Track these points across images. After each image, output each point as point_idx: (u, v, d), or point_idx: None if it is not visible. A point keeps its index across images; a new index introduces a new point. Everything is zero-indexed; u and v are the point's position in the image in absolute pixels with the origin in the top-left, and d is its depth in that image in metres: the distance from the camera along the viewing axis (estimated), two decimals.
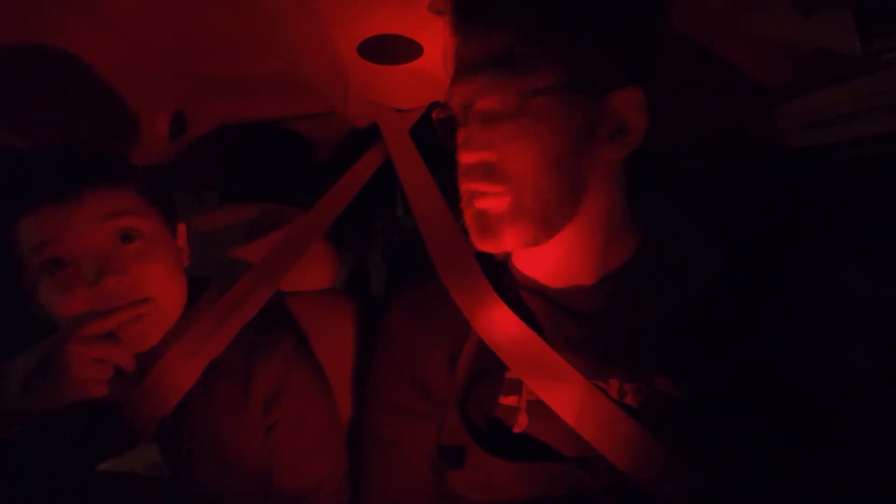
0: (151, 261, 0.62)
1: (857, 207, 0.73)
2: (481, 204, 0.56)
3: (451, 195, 0.72)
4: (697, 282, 0.57)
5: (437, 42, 0.67)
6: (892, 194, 0.68)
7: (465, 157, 0.56)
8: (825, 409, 0.54)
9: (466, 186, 0.58)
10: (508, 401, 0.59)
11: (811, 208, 0.78)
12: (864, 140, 0.66)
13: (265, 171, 1.04)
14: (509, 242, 0.57)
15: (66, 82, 0.69)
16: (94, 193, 0.59)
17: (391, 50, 0.69)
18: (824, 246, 0.74)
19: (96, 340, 0.58)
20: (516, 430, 0.58)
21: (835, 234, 0.74)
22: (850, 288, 0.64)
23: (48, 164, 0.61)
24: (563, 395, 0.55)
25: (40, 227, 0.57)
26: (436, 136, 0.62)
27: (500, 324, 0.60)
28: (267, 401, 0.67)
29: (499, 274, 0.64)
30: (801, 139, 0.72)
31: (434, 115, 0.61)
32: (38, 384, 0.57)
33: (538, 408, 0.57)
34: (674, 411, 0.54)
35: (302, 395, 0.69)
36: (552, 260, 0.61)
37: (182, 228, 0.73)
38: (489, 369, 0.61)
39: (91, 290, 0.58)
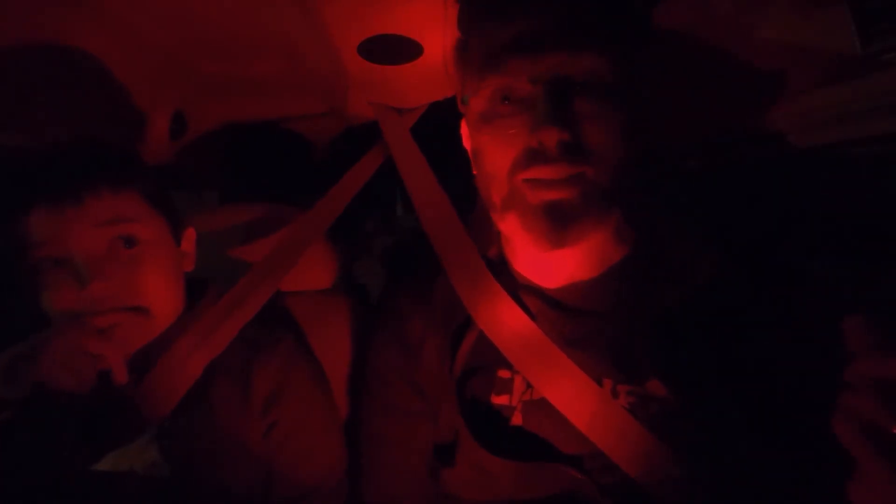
0: (145, 269, 0.62)
1: (857, 207, 0.73)
2: (555, 194, 0.52)
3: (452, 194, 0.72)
4: (693, 281, 0.57)
5: (437, 42, 0.67)
6: (892, 194, 0.68)
7: (547, 135, 0.50)
8: (824, 410, 0.54)
9: (540, 172, 0.52)
10: (500, 400, 0.59)
11: (811, 208, 0.78)
12: (864, 140, 0.66)
13: (265, 171, 1.04)
14: (585, 233, 0.54)
15: (66, 82, 0.69)
16: (95, 198, 0.59)
17: (391, 50, 0.69)
18: (824, 246, 0.74)
19: (93, 334, 0.58)
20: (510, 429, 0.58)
21: (835, 235, 0.74)
22: (849, 288, 0.64)
23: (54, 163, 0.61)
24: (568, 395, 0.55)
25: (40, 227, 0.58)
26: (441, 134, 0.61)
27: (504, 318, 0.60)
28: (266, 400, 0.67)
29: (495, 274, 0.64)
30: (801, 139, 0.72)
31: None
32: (24, 368, 0.57)
33: (534, 408, 0.58)
34: (666, 415, 0.54)
35: (301, 395, 0.69)
36: (554, 258, 0.61)
37: (190, 233, 0.72)
38: (481, 367, 0.61)
39: (79, 292, 0.58)
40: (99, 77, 0.70)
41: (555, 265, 0.61)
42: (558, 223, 0.52)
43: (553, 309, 0.61)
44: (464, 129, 0.65)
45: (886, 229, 0.69)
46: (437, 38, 0.66)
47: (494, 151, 0.55)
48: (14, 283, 0.63)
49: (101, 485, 0.59)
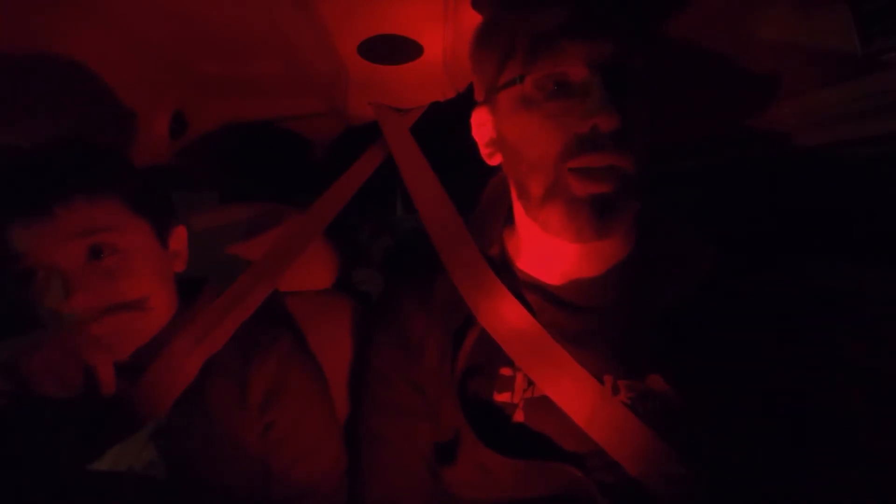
0: (125, 276, 0.61)
1: (857, 207, 0.73)
2: (599, 187, 0.51)
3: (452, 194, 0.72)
4: (693, 279, 0.57)
5: (437, 42, 0.67)
6: (892, 194, 0.68)
7: (604, 122, 0.49)
8: (823, 409, 0.54)
9: (589, 160, 0.51)
10: (502, 397, 0.59)
11: (811, 208, 0.78)
12: (864, 140, 0.66)
13: (265, 171, 1.04)
14: (624, 226, 0.54)
15: (66, 82, 0.69)
16: (67, 210, 0.57)
17: (391, 50, 0.69)
18: (824, 246, 0.74)
19: (88, 343, 0.58)
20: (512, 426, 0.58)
21: (834, 234, 0.74)
22: (848, 288, 0.64)
23: (27, 173, 0.59)
24: (569, 391, 0.55)
25: (14, 240, 0.57)
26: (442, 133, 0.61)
27: (506, 315, 0.60)
28: (263, 399, 0.67)
29: (497, 272, 0.64)
30: (801, 139, 0.72)
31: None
32: (16, 368, 0.58)
33: (536, 405, 0.58)
34: (666, 410, 0.54)
35: (299, 395, 0.69)
36: (559, 255, 0.61)
37: (180, 232, 0.71)
38: (482, 365, 0.61)
39: (63, 303, 0.57)
40: (98, 78, 0.70)
41: (562, 261, 0.61)
42: (601, 215, 0.52)
43: (554, 306, 0.61)
44: (477, 119, 0.63)
45: (886, 229, 0.69)
46: (437, 38, 0.66)
47: (541, 137, 0.53)
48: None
49: (99, 484, 0.59)
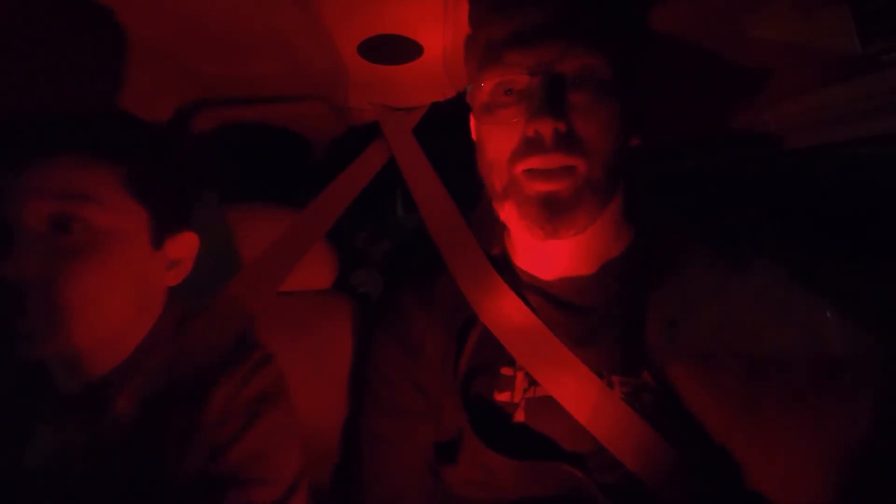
0: (87, 261, 0.50)
1: (857, 207, 0.73)
2: (549, 186, 0.53)
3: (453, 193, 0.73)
4: (690, 277, 0.57)
5: (436, 42, 0.67)
6: (892, 194, 0.68)
7: (542, 125, 0.52)
8: (820, 407, 0.54)
9: (536, 161, 0.53)
10: (503, 397, 0.59)
11: (811, 208, 0.78)
12: (864, 140, 0.67)
13: (264, 170, 1.04)
14: (578, 225, 0.55)
15: (66, 82, 0.69)
16: (49, 164, 0.49)
17: (391, 50, 0.69)
18: (823, 246, 0.74)
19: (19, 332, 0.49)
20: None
21: (835, 234, 0.74)
22: (849, 288, 0.64)
23: (34, 126, 0.52)
24: (570, 389, 0.56)
25: None
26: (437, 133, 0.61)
27: (508, 314, 0.60)
28: (218, 419, 0.56)
29: (499, 271, 0.64)
30: (801, 139, 0.72)
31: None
32: None
33: (537, 405, 0.58)
34: (661, 407, 0.54)
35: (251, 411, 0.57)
36: (549, 253, 0.61)
37: (187, 238, 0.61)
38: (484, 365, 0.61)
39: (3, 264, 0.48)
40: (99, 77, 0.70)
41: (552, 257, 0.62)
42: (552, 214, 0.54)
43: (554, 306, 0.61)
44: (472, 122, 0.66)
45: (886, 229, 0.69)
46: (437, 38, 0.66)
47: (495, 140, 0.56)
48: None
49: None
